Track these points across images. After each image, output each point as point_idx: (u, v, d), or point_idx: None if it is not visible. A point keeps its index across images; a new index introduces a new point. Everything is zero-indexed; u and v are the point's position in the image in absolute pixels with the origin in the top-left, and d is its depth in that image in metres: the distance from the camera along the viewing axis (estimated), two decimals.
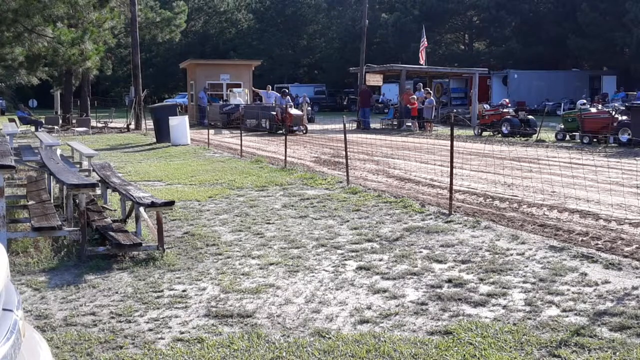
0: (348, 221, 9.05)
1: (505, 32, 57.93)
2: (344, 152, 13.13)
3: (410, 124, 30.04)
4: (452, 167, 9.70)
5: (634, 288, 5.87)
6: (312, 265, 6.87)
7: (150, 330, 5.11)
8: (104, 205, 10.05)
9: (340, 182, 12.60)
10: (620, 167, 14.31)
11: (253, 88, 35.25)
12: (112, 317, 5.37)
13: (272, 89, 33.78)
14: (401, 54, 55.57)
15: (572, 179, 12.08)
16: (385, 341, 4.79)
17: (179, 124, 22.91)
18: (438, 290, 5.94)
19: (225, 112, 31.39)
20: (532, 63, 51.40)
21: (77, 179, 8.38)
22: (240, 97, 32.86)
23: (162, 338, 4.95)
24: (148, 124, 28.64)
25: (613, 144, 20.46)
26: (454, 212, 9.42)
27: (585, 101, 25.75)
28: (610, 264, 6.60)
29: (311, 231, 8.48)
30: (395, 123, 31.67)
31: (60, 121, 32.76)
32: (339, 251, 7.42)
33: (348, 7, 68.30)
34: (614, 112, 21.65)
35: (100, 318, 5.36)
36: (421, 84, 34.00)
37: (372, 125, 31.68)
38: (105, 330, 5.11)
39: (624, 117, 21.03)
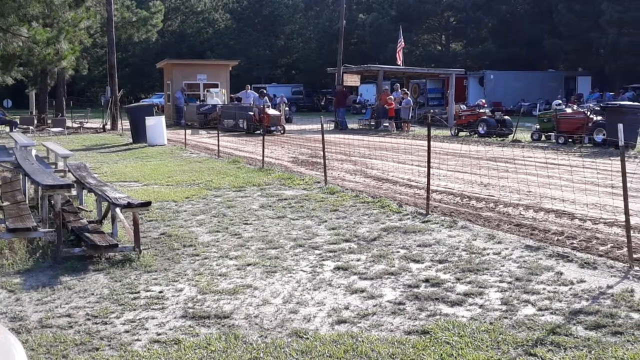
0: (326, 221, 9.05)
1: (482, 33, 58.30)
2: (321, 153, 13.13)
3: (387, 124, 30.12)
4: (429, 167, 9.75)
5: (609, 287, 5.93)
6: (290, 265, 6.86)
7: (126, 331, 5.07)
8: (79, 206, 9.97)
9: (318, 182, 12.60)
10: (595, 167, 14.44)
11: (231, 95, 34.99)
12: (88, 319, 5.33)
13: (251, 89, 33.66)
14: (378, 54, 55.63)
15: (548, 179, 12.18)
16: (362, 341, 4.79)
17: (156, 124, 22.79)
18: (415, 290, 5.96)
19: (203, 112, 31.26)
20: (508, 64, 51.78)
21: (53, 179, 8.32)
22: (217, 97, 32.73)
23: (138, 339, 4.92)
24: (124, 124, 28.45)
25: (588, 144, 20.66)
26: (431, 212, 9.47)
27: (560, 102, 25.97)
28: (585, 263, 6.66)
29: (289, 231, 8.47)
30: (373, 123, 31.73)
31: (36, 121, 32.47)
32: (317, 251, 7.42)
33: (325, 7, 68.37)
34: (589, 113, 21.85)
35: (76, 320, 5.31)
36: (398, 85, 34.09)
37: (350, 126, 31.72)
38: (81, 332, 5.06)
39: (599, 118, 21.23)
